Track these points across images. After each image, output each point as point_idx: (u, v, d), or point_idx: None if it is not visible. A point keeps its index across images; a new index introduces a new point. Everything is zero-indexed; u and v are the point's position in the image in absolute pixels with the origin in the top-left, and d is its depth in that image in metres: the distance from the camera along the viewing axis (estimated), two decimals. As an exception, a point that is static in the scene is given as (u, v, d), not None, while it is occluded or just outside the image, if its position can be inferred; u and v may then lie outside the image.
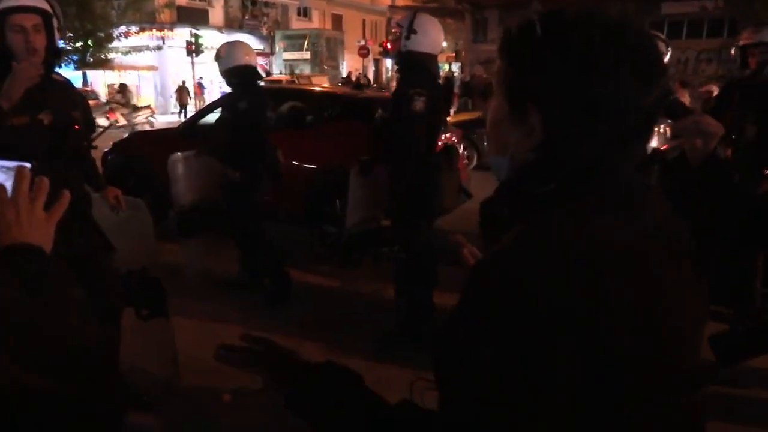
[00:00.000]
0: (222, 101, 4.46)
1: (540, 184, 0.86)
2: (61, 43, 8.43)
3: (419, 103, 3.36)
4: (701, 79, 18.08)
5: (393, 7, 25.01)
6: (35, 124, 2.46)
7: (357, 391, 0.97)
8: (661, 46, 4.14)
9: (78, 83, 20.05)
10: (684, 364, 0.85)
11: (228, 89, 4.44)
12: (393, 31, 3.86)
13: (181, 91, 24.51)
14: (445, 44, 36.29)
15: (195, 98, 25.10)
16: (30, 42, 2.39)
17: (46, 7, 2.46)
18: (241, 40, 4.97)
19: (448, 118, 7.33)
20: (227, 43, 4.51)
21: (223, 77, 4.38)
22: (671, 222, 0.90)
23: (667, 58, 4.20)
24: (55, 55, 2.55)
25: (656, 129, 1.03)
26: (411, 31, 3.50)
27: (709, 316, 0.94)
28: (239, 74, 4.29)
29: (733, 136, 3.56)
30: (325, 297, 4.67)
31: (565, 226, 0.81)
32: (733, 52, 3.96)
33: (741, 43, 3.70)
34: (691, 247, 0.91)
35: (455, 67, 28.75)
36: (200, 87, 26.33)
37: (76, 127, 2.64)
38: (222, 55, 4.35)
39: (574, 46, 0.81)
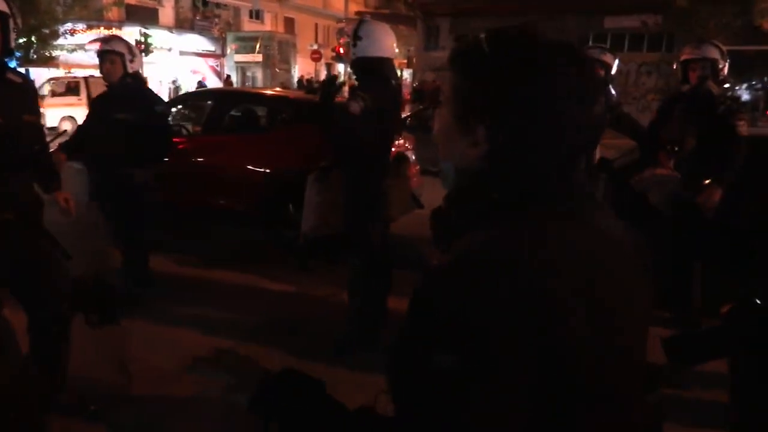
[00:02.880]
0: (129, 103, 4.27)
1: (489, 193, 0.89)
2: None
3: (354, 105, 3.38)
4: (642, 90, 18.80)
5: (346, 19, 25.12)
6: None
7: (318, 397, 0.98)
8: (609, 57, 4.31)
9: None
10: (637, 365, 0.90)
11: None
12: (340, 41, 3.92)
13: None
14: (396, 51, 36.56)
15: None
16: None
17: (4, 8, 2.39)
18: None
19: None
20: (128, 43, 4.47)
21: (124, 78, 4.26)
22: (619, 229, 0.94)
23: (614, 70, 4.38)
24: (9, 55, 2.49)
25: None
26: (356, 38, 3.55)
27: (651, 319, 0.98)
28: (136, 77, 4.31)
29: (675, 148, 3.74)
30: (282, 301, 4.65)
31: (518, 235, 0.84)
32: (675, 66, 4.14)
33: (683, 57, 3.87)
34: (640, 254, 0.95)
35: (407, 74, 28.96)
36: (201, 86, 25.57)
37: (27, 130, 2.57)
38: (137, 54, 4.36)
39: (518, 64, 0.86)
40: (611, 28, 18.69)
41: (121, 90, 4.25)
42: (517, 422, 0.78)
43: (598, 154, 3.96)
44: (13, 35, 2.49)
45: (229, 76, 28.18)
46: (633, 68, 18.81)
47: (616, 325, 0.85)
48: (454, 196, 0.96)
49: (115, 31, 24.19)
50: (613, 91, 4.45)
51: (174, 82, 24.46)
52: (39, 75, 19.74)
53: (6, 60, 2.51)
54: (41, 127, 2.81)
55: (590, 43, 18.34)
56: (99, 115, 4.32)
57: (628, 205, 3.84)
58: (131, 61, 4.25)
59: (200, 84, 26.45)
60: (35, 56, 19.50)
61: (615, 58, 4.35)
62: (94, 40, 20.08)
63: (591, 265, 0.84)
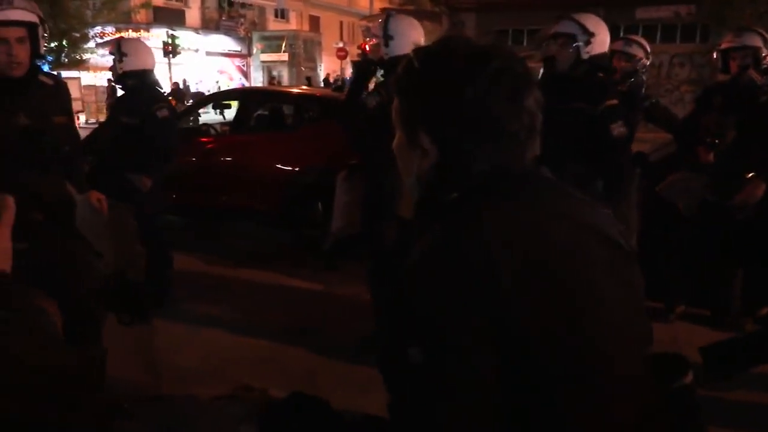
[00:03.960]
0: (130, 106, 4.22)
1: (444, 194, 0.94)
2: None
3: (371, 99, 3.33)
4: (675, 82, 18.39)
5: (370, 17, 25.06)
6: (5, 126, 2.41)
7: (325, 417, 1.05)
8: (636, 49, 4.19)
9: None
10: (622, 349, 0.89)
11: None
12: (369, 41, 3.82)
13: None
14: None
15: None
16: (13, 56, 2.37)
17: (32, 19, 2.42)
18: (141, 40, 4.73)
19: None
20: (135, 40, 4.40)
21: (122, 78, 4.20)
22: (591, 215, 0.96)
23: (648, 62, 4.25)
24: (40, 59, 2.54)
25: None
26: (387, 37, 3.47)
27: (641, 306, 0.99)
28: (141, 77, 4.16)
29: (715, 141, 3.60)
30: (308, 300, 4.63)
31: (457, 226, 0.89)
32: (714, 55, 4.00)
33: (723, 46, 3.74)
34: (623, 241, 0.96)
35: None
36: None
37: (57, 131, 2.59)
38: (128, 53, 4.16)
39: (442, 76, 0.94)
40: (643, 19, 18.30)
41: (126, 92, 4.24)
42: (492, 414, 0.81)
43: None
44: (43, 41, 2.54)
45: (273, 77, 28.22)
46: (665, 60, 18.41)
47: (580, 305, 0.86)
48: (415, 204, 1.01)
49: (142, 33, 24.67)
50: (643, 83, 4.31)
51: (183, 82, 24.69)
52: (70, 77, 20.16)
53: (37, 63, 2.54)
54: (73, 128, 2.83)
55: (621, 34, 18.04)
56: (109, 118, 4.36)
57: (659, 208, 3.74)
58: (119, 61, 4.14)
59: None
60: (66, 59, 19.89)
61: (645, 50, 4.22)
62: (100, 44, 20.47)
63: (542, 246, 0.86)
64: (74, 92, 18.96)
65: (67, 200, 2.75)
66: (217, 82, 28.01)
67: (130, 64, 4.14)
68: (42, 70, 2.61)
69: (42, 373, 0.77)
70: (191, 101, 18.58)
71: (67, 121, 2.67)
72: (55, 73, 20.28)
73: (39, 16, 2.49)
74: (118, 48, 4.22)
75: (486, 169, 0.92)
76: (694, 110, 4.07)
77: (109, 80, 21.41)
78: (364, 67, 3.69)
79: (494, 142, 0.92)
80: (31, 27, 2.43)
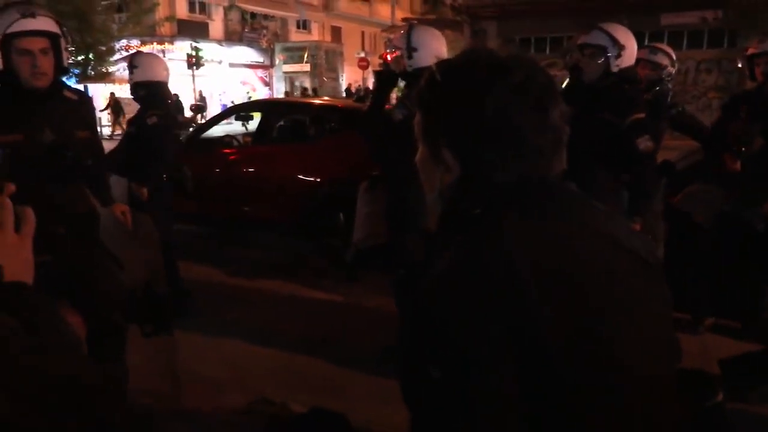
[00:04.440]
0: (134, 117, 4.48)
1: (466, 207, 0.94)
2: None
3: (398, 113, 3.31)
4: (702, 89, 18.10)
5: (390, 28, 25.08)
6: (30, 142, 2.43)
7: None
8: (662, 57, 4.12)
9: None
10: (636, 363, 0.87)
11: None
12: (391, 54, 3.79)
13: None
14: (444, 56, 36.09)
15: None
16: (38, 66, 2.39)
17: (55, 29, 2.44)
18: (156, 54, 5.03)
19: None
20: (146, 54, 4.56)
21: (133, 88, 4.39)
22: (616, 228, 0.95)
23: (673, 70, 4.18)
24: (64, 73, 2.56)
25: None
26: (411, 49, 3.44)
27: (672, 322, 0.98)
28: (151, 89, 4.31)
29: (742, 149, 3.53)
30: (330, 311, 4.62)
31: (476, 240, 0.88)
32: (739, 62, 3.94)
33: (749, 52, 3.67)
34: (647, 253, 0.95)
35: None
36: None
37: (80, 146, 2.62)
38: (138, 66, 4.35)
39: (464, 87, 0.93)
40: (668, 25, 18.07)
41: (137, 102, 4.42)
42: (513, 425, 0.80)
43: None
44: (65, 54, 2.56)
45: (305, 89, 28.38)
46: (692, 66, 18.14)
47: (601, 316, 0.85)
48: (438, 218, 1.00)
49: (167, 46, 25.06)
50: (669, 92, 4.24)
51: (199, 93, 25.03)
52: (96, 90, 20.53)
53: (61, 78, 2.57)
54: (96, 142, 2.86)
55: (646, 42, 17.81)
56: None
57: (678, 220, 3.67)
58: (131, 73, 4.36)
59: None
60: (92, 72, 20.25)
61: (670, 57, 4.15)
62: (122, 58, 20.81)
63: (564, 257, 0.86)
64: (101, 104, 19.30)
65: (90, 213, 2.78)
66: (247, 92, 28.41)
67: (140, 76, 4.32)
68: (66, 85, 2.63)
69: (62, 386, 0.76)
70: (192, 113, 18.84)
71: (90, 136, 2.70)
72: (80, 87, 20.79)
73: (60, 27, 2.51)
74: (130, 61, 4.47)
75: (509, 181, 0.91)
76: (720, 118, 4.00)
77: (111, 93, 21.91)
78: (386, 78, 3.68)
79: (517, 153, 0.91)
80: (53, 38, 2.45)
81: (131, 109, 8.07)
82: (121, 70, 21.19)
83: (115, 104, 21.75)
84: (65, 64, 2.56)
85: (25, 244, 0.90)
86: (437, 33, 3.62)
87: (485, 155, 0.92)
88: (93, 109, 2.88)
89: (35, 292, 0.89)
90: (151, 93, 4.32)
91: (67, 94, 2.62)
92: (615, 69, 3.21)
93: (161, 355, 3.35)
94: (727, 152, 3.65)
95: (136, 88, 4.34)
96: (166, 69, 4.54)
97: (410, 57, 3.43)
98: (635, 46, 3.34)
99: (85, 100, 2.83)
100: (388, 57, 3.90)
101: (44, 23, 2.42)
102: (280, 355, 3.78)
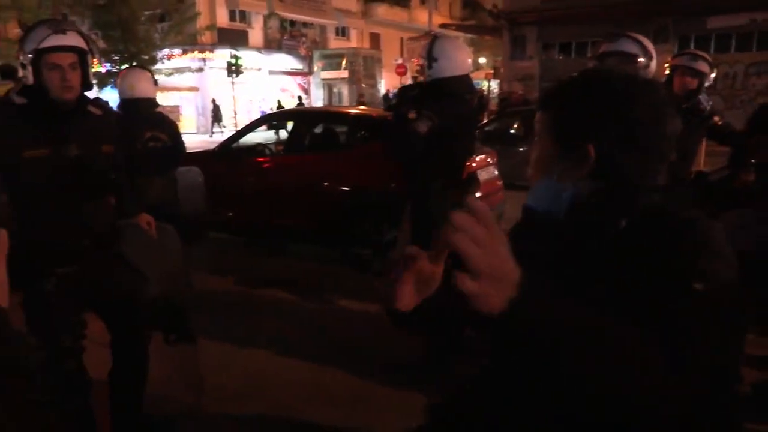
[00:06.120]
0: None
1: (608, 217, 1.02)
2: (107, 66, 8.82)
3: (422, 125, 3.27)
4: (752, 93, 17.47)
5: (411, 40, 25.04)
6: (56, 156, 2.47)
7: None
8: (702, 65, 3.94)
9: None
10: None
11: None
12: (414, 61, 3.78)
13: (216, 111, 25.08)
14: (483, 60, 35.41)
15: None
16: (67, 80, 2.44)
17: (83, 45, 2.50)
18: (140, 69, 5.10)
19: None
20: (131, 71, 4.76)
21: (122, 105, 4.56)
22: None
23: (712, 77, 3.99)
24: (89, 89, 2.60)
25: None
26: (431, 59, 3.41)
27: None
28: (134, 106, 4.48)
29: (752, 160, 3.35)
30: (357, 322, 4.56)
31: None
32: None
33: None
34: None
35: (494, 84, 28.53)
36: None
37: (105, 159, 2.65)
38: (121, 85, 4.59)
39: (621, 98, 1.04)
40: (715, 28, 17.55)
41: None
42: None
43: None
44: (95, 60, 2.59)
45: (362, 95, 28.46)
46: (740, 69, 17.55)
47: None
48: (570, 212, 1.06)
49: (207, 54, 25.53)
50: (707, 100, 4.05)
51: (213, 102, 25.59)
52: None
53: (86, 93, 2.63)
54: (119, 155, 2.89)
55: (692, 46, 17.31)
56: None
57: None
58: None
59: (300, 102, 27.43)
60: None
61: (710, 64, 3.97)
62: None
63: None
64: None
65: (113, 225, 2.80)
66: (299, 98, 28.88)
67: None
68: (91, 100, 2.67)
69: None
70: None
71: (114, 150, 2.72)
72: (104, 100, 21.29)
73: (87, 43, 2.56)
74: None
75: (651, 194, 1.02)
76: (749, 127, 3.80)
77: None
78: (407, 92, 3.64)
79: (657, 162, 1.04)
80: (82, 54, 2.50)
81: (175, 117, 8.37)
82: (163, 77, 21.73)
83: None
84: (91, 79, 2.62)
85: (1, 266, 0.88)
86: (460, 43, 3.58)
87: (634, 164, 1.03)
88: (117, 122, 2.91)
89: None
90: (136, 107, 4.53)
91: (92, 109, 2.66)
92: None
93: (183, 364, 3.34)
94: (743, 165, 3.50)
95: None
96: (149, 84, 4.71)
97: (430, 67, 3.40)
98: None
99: (110, 114, 2.86)
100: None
101: (74, 39, 2.46)
102: (303, 365, 3.75)
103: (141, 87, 4.49)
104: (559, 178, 1.06)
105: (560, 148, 1.07)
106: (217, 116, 24.65)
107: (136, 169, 4.42)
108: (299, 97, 28.03)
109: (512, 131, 10.96)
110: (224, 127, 24.06)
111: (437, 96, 3.42)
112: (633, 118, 1.01)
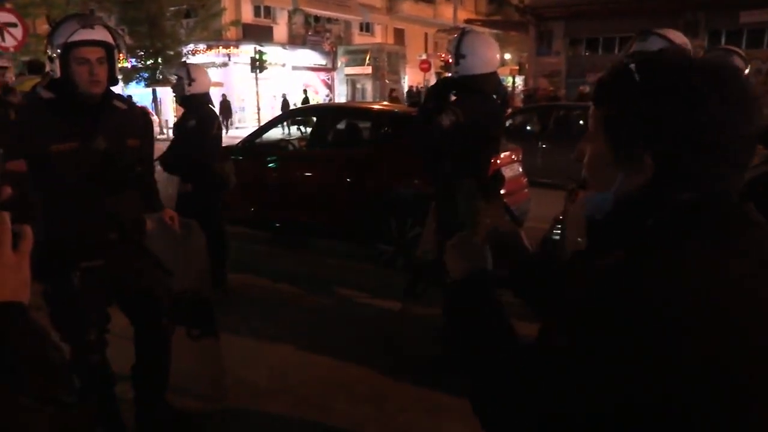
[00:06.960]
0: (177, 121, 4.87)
1: (639, 216, 0.90)
2: (132, 62, 8.95)
3: (446, 119, 3.24)
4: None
5: (454, 28, 24.72)
6: (84, 150, 2.49)
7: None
8: (740, 62, 3.82)
9: (148, 100, 20.85)
10: None
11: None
12: (440, 57, 3.76)
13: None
14: (508, 56, 34.91)
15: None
16: (95, 74, 2.46)
17: (110, 40, 2.52)
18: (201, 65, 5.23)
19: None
20: (194, 66, 4.79)
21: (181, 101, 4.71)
22: None
23: (746, 72, 3.88)
24: (115, 84, 2.63)
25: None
26: (459, 55, 3.36)
27: None
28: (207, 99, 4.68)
29: None
30: (379, 320, 4.54)
31: (694, 264, 0.82)
32: None
33: None
34: None
35: (519, 80, 28.26)
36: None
37: (130, 153, 2.67)
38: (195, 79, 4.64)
39: (679, 94, 0.86)
40: (747, 23, 17.17)
41: None
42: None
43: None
44: (118, 64, 2.66)
45: (393, 90, 27.78)
46: (774, 66, 17.16)
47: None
48: (605, 221, 0.96)
49: (232, 50, 25.68)
50: None
51: (224, 97, 25.77)
52: (165, 93, 21.23)
53: (112, 88, 2.65)
54: (145, 149, 2.92)
55: (723, 41, 16.89)
56: None
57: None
58: (189, 85, 4.63)
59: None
60: (161, 76, 20.96)
61: (746, 61, 3.86)
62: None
63: (743, 306, 0.79)
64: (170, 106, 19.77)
65: (139, 219, 2.82)
66: (327, 95, 29.08)
67: (195, 89, 4.67)
68: (116, 94, 2.69)
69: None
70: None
71: (140, 144, 2.73)
72: (149, 90, 21.51)
73: (114, 38, 2.58)
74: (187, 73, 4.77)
75: (694, 197, 0.87)
76: None
77: None
78: (441, 87, 3.60)
79: (722, 166, 0.87)
80: (109, 49, 2.53)
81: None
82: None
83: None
84: (117, 74, 2.65)
85: (22, 262, 0.87)
86: (489, 39, 3.52)
87: (690, 166, 0.87)
88: (141, 117, 2.93)
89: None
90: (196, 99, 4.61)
91: (117, 103, 2.69)
92: None
93: (206, 358, 3.36)
94: None
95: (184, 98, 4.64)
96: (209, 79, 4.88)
97: (457, 63, 3.36)
98: None
99: (134, 109, 2.88)
100: (449, 59, 3.83)
101: (101, 34, 2.49)
102: (326, 361, 3.75)
103: (208, 82, 4.80)
104: (617, 192, 0.94)
105: (614, 152, 0.93)
106: (226, 112, 24.32)
107: (212, 157, 4.68)
108: (304, 91, 27.83)
109: (530, 127, 10.89)
110: (232, 124, 23.92)
111: (464, 93, 3.38)
112: (703, 119, 0.85)
